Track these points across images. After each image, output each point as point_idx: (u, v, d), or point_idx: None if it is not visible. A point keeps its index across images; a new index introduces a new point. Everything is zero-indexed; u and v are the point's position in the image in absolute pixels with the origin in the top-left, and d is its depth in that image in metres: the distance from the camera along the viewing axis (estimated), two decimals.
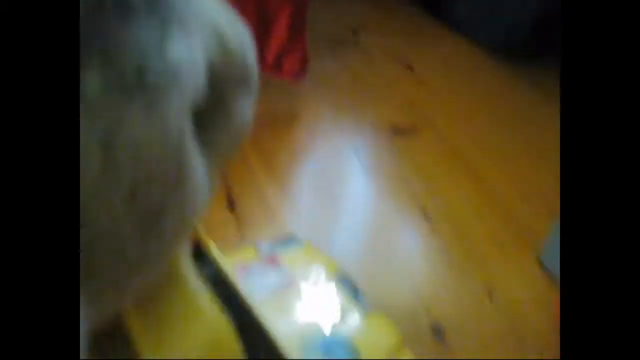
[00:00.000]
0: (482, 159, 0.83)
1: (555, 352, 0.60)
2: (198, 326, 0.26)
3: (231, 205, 0.73)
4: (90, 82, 0.17)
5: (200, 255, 0.37)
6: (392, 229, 0.72)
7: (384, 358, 0.47)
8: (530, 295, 0.65)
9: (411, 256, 0.69)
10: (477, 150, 0.84)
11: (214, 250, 0.37)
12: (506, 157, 0.84)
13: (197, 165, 0.21)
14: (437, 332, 0.61)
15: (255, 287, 0.47)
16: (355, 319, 0.48)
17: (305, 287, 0.48)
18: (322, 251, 0.55)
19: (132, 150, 0.18)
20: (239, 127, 0.25)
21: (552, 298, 0.64)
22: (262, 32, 0.83)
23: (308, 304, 0.47)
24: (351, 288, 0.51)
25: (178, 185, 0.20)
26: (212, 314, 0.26)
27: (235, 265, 0.49)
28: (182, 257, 0.26)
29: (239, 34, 0.24)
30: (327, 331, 0.46)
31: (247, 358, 0.29)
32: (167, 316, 0.25)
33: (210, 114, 0.22)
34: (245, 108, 0.25)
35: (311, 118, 0.89)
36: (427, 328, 0.61)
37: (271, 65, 0.86)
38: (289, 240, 0.56)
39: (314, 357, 0.39)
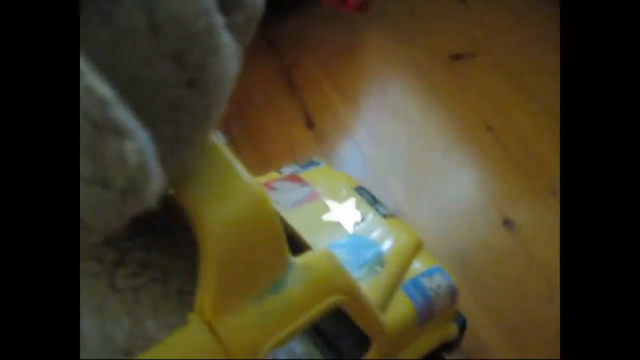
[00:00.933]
0: (537, 82, 0.89)
1: None
2: (238, 188, 0.27)
3: (309, 124, 0.81)
4: None
5: None
6: (459, 138, 0.79)
7: (406, 255, 0.48)
8: None
9: (478, 161, 0.76)
10: (532, 75, 0.90)
11: None
12: (557, 79, 0.90)
13: (226, 37, 0.23)
14: (508, 223, 0.68)
15: (280, 200, 0.49)
16: (376, 221, 0.50)
17: (327, 198, 0.51)
18: (342, 170, 0.58)
19: (171, 17, 0.20)
20: (252, 9, 0.26)
21: None
22: None
23: (331, 211, 0.50)
24: (371, 197, 0.54)
25: (213, 50, 0.22)
26: (247, 179, 0.28)
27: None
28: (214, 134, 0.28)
29: None
30: (350, 231, 0.48)
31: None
32: (211, 181, 0.27)
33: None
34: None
35: (374, 47, 0.95)
36: (498, 220, 0.68)
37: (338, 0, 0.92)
38: (309, 162, 0.59)
39: (340, 255, 0.42)
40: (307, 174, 0.55)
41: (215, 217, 0.26)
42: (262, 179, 0.53)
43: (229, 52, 0.23)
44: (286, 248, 0.30)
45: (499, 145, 0.78)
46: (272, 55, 0.93)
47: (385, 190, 0.71)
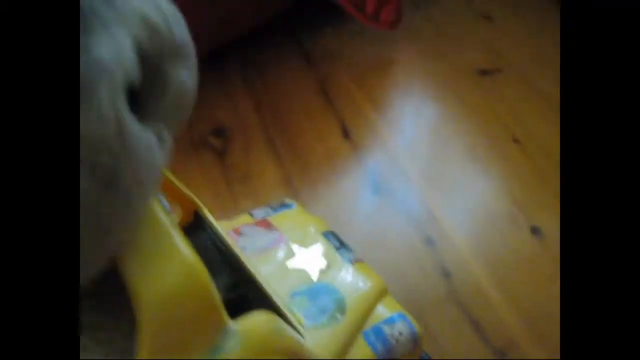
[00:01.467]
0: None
1: None
2: (175, 260, 0.28)
3: (346, 135, 0.85)
4: None
5: (198, 223, 0.44)
6: (488, 150, 0.83)
7: (368, 302, 0.48)
8: None
9: (505, 172, 0.80)
10: (556, 87, 0.94)
11: (210, 218, 0.43)
12: None
13: (141, 135, 0.23)
14: (536, 231, 0.72)
15: (247, 246, 0.49)
16: (340, 267, 0.50)
17: (294, 243, 0.51)
18: (311, 212, 0.58)
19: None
20: (179, 95, 0.27)
21: None
22: None
23: (296, 257, 0.50)
24: (338, 242, 0.54)
25: (125, 153, 0.22)
26: (185, 253, 0.28)
27: (229, 230, 0.52)
28: (155, 205, 0.28)
29: (165, 13, 0.26)
30: (313, 278, 0.48)
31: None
32: (149, 256, 0.27)
33: (149, 88, 0.25)
34: (182, 76, 0.28)
35: (405, 62, 1.00)
36: (526, 227, 0.72)
37: (370, 15, 0.96)
38: (281, 205, 0.59)
39: (300, 303, 0.39)
40: (277, 217, 0.55)
41: (151, 288, 0.27)
42: (233, 223, 0.54)
43: (146, 149, 0.23)
44: (223, 315, 0.31)
45: (525, 156, 0.82)
46: (307, 70, 0.98)
47: (416, 196, 0.75)
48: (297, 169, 0.79)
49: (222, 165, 0.79)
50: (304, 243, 0.52)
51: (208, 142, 0.83)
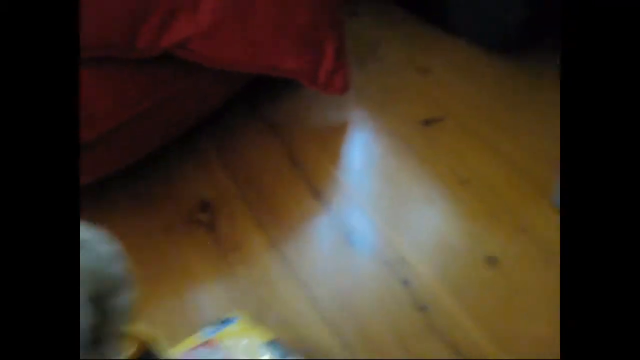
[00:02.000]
0: (499, 136, 1.06)
1: None
2: None
3: (316, 195, 0.96)
4: None
5: (149, 356, 0.51)
6: (439, 193, 0.95)
7: None
8: (553, 225, 0.89)
9: (457, 209, 0.92)
10: (493, 130, 1.08)
11: (160, 348, 0.50)
12: (517, 131, 1.08)
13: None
14: (492, 261, 0.84)
15: None
16: None
17: (240, 356, 0.58)
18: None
19: None
20: (122, 312, 0.37)
21: None
22: (315, 60, 1.06)
23: None
24: (282, 351, 0.61)
25: None
26: None
27: (179, 354, 0.60)
28: None
29: (107, 260, 0.36)
30: None
31: None
32: None
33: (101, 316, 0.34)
34: (122, 300, 0.37)
35: (357, 121, 1.12)
36: (483, 258, 0.84)
37: (322, 85, 1.09)
38: (226, 320, 0.67)
39: None
40: (222, 334, 0.62)
41: None
42: (183, 346, 0.62)
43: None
44: None
45: (472, 195, 0.95)
46: (272, 136, 1.09)
47: (384, 242, 0.87)
48: (279, 233, 0.89)
49: (213, 238, 0.89)
50: (250, 355, 0.59)
51: (196, 219, 0.92)
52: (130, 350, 0.50)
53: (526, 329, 0.75)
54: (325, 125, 1.11)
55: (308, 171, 1.01)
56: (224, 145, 1.08)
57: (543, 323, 0.75)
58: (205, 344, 0.61)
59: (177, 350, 0.59)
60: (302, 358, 0.62)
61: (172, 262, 0.85)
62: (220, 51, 0.96)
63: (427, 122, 1.11)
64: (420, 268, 0.83)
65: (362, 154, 1.05)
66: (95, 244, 0.36)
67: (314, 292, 0.80)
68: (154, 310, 0.77)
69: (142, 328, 0.50)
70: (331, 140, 1.08)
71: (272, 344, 0.62)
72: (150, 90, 0.91)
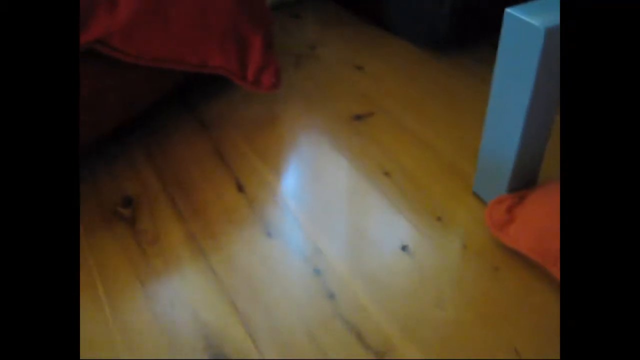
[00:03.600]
0: (425, 129, 1.08)
1: (494, 252, 0.85)
2: None
3: (240, 189, 0.97)
4: None
5: None
6: (362, 185, 0.96)
7: None
8: (469, 215, 0.90)
9: (378, 200, 0.93)
10: (422, 124, 1.09)
11: None
12: (443, 124, 1.09)
13: None
14: (405, 248, 0.85)
15: None
16: None
17: None
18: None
19: None
20: None
21: (484, 216, 0.88)
22: (242, 57, 1.07)
23: None
24: None
25: None
26: None
27: None
28: None
29: None
30: None
31: None
32: None
33: None
34: None
35: (289, 118, 1.13)
36: (398, 247, 0.85)
37: (252, 82, 1.09)
38: None
39: None
40: None
41: None
42: None
43: None
44: None
45: (395, 185, 0.95)
46: (202, 134, 1.09)
47: (303, 235, 0.87)
48: (199, 226, 0.90)
49: (133, 232, 0.89)
50: None
51: (118, 213, 0.93)
52: None
53: (432, 314, 0.76)
54: (257, 122, 1.12)
55: (235, 166, 1.01)
56: (154, 142, 1.08)
57: (451, 309, 0.76)
58: None
59: None
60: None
61: (89, 256, 0.85)
62: (142, 48, 0.96)
63: (358, 117, 1.12)
64: (333, 258, 0.84)
65: (290, 150, 1.05)
66: None
67: (225, 283, 0.80)
68: None
69: None
70: (261, 136, 1.08)
71: None
72: None
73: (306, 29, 1.46)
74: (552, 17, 0.71)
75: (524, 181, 0.88)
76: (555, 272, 0.76)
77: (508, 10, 0.74)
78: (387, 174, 0.98)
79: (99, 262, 0.84)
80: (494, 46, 1.32)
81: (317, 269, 0.82)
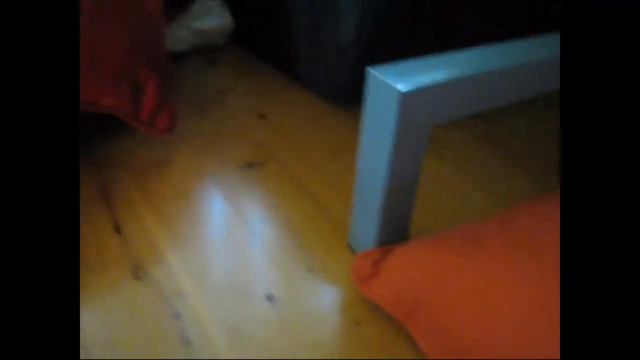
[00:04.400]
0: (313, 178, 1.10)
1: (366, 313, 0.86)
2: None
3: (117, 229, 0.96)
4: None
5: None
6: (242, 234, 0.97)
7: None
8: (340, 268, 0.91)
9: (254, 250, 0.94)
10: (311, 175, 1.11)
11: None
12: (331, 174, 1.11)
13: None
14: (270, 298, 0.85)
15: None
16: None
17: None
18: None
19: None
20: None
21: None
22: (135, 101, 1.07)
23: None
24: None
25: None
26: None
27: None
28: None
29: None
30: None
31: None
32: None
33: None
34: None
35: (183, 162, 1.14)
36: (262, 296, 0.85)
37: (145, 124, 1.10)
38: None
39: None
40: None
41: None
42: None
43: None
44: None
45: (272, 235, 0.96)
46: (91, 170, 1.09)
47: (173, 278, 0.87)
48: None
49: None
50: None
51: None
52: None
53: None
54: (149, 165, 1.12)
55: (117, 207, 1.00)
56: None
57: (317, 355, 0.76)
58: None
59: None
60: None
61: None
62: None
63: (250, 165, 1.13)
64: (197, 304, 0.83)
65: (177, 195, 1.06)
66: None
67: (87, 326, 0.79)
68: None
69: None
70: (150, 179, 1.08)
71: None
72: None
73: (219, 76, 1.48)
74: (413, 80, 0.74)
75: (393, 236, 0.89)
76: (411, 326, 0.77)
77: (370, 69, 0.77)
78: (267, 222, 0.99)
79: None
80: None
81: (178, 313, 0.82)
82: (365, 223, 0.88)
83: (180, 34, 1.52)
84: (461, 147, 1.23)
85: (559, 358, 0.30)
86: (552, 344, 0.33)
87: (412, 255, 0.81)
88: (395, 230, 0.89)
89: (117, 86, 1.04)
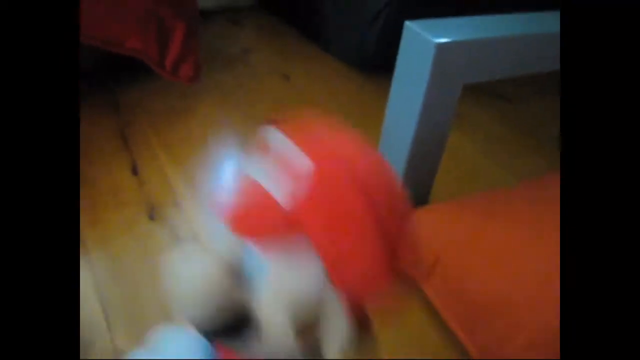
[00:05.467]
0: None
1: None
2: None
3: (135, 172, 0.95)
4: None
5: None
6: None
7: None
8: None
9: None
10: None
11: None
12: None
13: None
14: None
15: None
16: None
17: None
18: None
19: None
20: None
21: None
22: (161, 46, 1.06)
23: None
24: None
25: None
26: None
27: None
28: None
29: None
30: None
31: None
32: None
33: None
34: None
35: (202, 112, 1.13)
36: None
37: (169, 71, 1.09)
38: None
39: None
40: None
41: None
42: None
43: None
44: None
45: None
46: (112, 115, 1.08)
47: (185, 219, 0.86)
48: (85, 204, 0.87)
49: None
50: None
51: None
52: None
53: None
54: (169, 112, 1.11)
55: (135, 150, 1.00)
56: None
57: None
58: None
59: None
60: None
61: None
62: None
63: (271, 123, 1.12)
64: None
65: (195, 144, 1.05)
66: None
67: (100, 261, 0.78)
68: None
69: None
70: (170, 126, 1.07)
71: None
72: None
73: (244, 36, 1.46)
74: (448, 34, 0.73)
75: (415, 200, 0.88)
76: (427, 287, 0.76)
77: (407, 22, 0.75)
78: None
79: None
80: None
81: None
82: None
83: None
84: (485, 125, 1.22)
85: (559, 358, 0.29)
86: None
87: (434, 216, 0.80)
88: (418, 194, 0.87)
89: (144, 29, 1.03)
